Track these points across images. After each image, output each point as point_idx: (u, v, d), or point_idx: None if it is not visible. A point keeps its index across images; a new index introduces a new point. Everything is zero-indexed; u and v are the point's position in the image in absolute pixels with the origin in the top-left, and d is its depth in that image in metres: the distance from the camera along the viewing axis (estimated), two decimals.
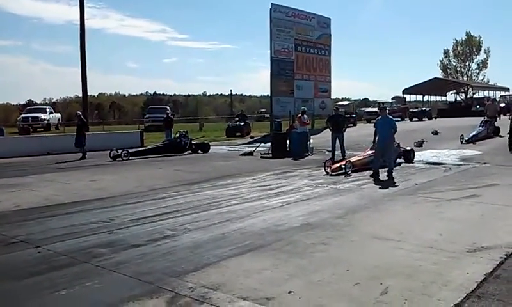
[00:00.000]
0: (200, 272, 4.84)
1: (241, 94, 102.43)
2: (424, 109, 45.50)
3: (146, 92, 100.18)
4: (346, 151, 15.94)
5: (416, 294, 4.19)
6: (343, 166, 12.21)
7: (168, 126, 23.16)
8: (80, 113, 19.69)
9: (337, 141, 15.87)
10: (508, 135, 16.41)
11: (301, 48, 31.34)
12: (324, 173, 12.21)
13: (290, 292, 4.25)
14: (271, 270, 4.92)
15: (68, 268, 5.07)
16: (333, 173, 12.01)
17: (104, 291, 4.41)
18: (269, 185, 10.68)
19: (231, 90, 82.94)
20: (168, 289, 4.39)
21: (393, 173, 11.67)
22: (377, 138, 11.82)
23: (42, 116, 34.49)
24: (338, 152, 15.84)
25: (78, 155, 17.55)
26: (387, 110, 11.91)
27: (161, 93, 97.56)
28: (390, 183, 10.82)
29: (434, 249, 5.48)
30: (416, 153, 15.44)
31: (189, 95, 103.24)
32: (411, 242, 5.79)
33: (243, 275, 4.76)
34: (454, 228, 6.58)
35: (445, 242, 5.77)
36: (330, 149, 15.97)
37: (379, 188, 10.16)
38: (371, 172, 11.71)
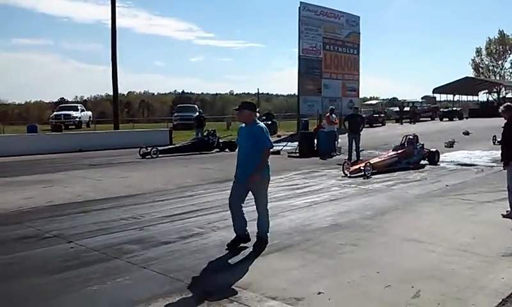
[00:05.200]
0: (229, 271, 4.86)
1: (268, 93, 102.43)
2: (454, 108, 44.57)
3: (175, 91, 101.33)
4: (375, 151, 15.70)
5: (450, 298, 4.09)
6: (362, 168, 11.77)
7: (199, 125, 23.32)
8: None
9: (353, 142, 15.37)
10: None
11: (329, 47, 31.11)
12: (342, 174, 11.84)
13: (319, 293, 4.21)
14: (299, 270, 4.89)
15: (100, 263, 5.16)
16: (352, 175, 11.62)
17: (134, 288, 4.46)
18: (297, 185, 10.63)
19: (258, 89, 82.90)
20: (197, 287, 4.41)
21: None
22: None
23: (74, 113, 35.22)
24: (370, 152, 15.63)
25: (109, 152, 17.85)
26: (257, 114, 5.78)
27: (189, 91, 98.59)
28: (419, 186, 10.60)
29: (467, 253, 5.35)
30: (447, 154, 15.13)
31: (216, 94, 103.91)
32: (444, 245, 5.66)
33: (271, 274, 4.74)
34: (487, 231, 6.41)
35: (478, 246, 5.63)
36: (354, 149, 15.53)
37: (409, 189, 9.98)
38: (393, 174, 11.18)
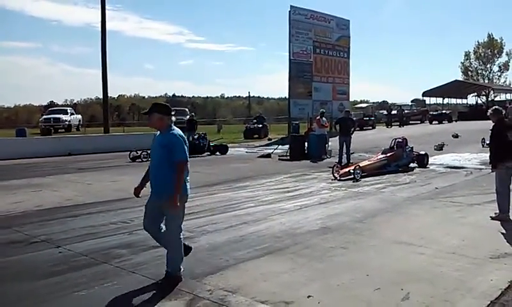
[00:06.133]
0: (218, 275, 4.84)
1: (259, 97, 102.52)
2: (444, 111, 44.90)
3: (165, 94, 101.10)
4: (365, 154, 15.75)
5: (438, 301, 4.11)
6: (352, 171, 11.76)
7: (191, 128, 23.26)
8: None
9: (344, 145, 15.40)
10: None
11: (319, 50, 31.26)
12: (332, 177, 11.83)
13: (309, 296, 4.21)
14: (289, 273, 4.88)
15: (88, 268, 5.12)
16: (342, 178, 11.63)
17: (123, 293, 4.42)
18: (287, 188, 10.63)
19: (249, 92, 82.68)
20: (186, 291, 4.39)
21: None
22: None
23: (63, 117, 35.03)
24: (360, 155, 15.69)
25: (99, 155, 17.73)
26: (172, 118, 4.79)
27: (180, 95, 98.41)
28: (410, 188, 10.66)
29: (456, 255, 5.38)
30: (436, 157, 15.22)
31: (207, 97, 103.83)
32: (433, 248, 5.69)
33: (261, 278, 4.73)
34: (476, 234, 6.46)
35: (467, 248, 5.66)
36: (344, 152, 15.51)
37: (399, 192, 10.03)
38: (382, 177, 11.16)
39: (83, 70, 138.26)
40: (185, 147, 4.65)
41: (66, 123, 34.63)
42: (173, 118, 4.79)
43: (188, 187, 4.71)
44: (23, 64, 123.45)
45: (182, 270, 4.70)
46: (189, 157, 4.79)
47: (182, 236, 4.75)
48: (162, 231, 4.78)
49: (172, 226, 4.68)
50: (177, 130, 4.72)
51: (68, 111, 37.66)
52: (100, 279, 4.76)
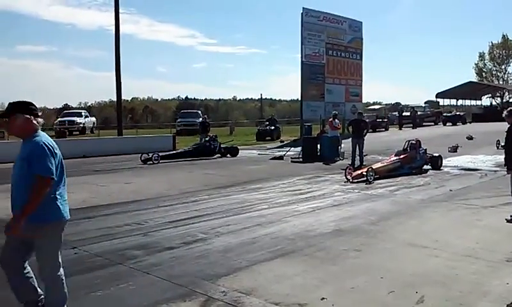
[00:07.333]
0: (232, 276, 4.85)
1: (271, 99, 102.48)
2: (458, 113, 44.48)
3: (178, 96, 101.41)
4: (378, 156, 15.65)
5: (454, 304, 4.08)
6: (365, 173, 11.66)
7: (204, 130, 23.46)
8: None
9: (357, 147, 15.31)
10: None
11: (332, 52, 31.12)
12: (345, 180, 11.72)
13: (322, 299, 4.21)
14: (302, 276, 4.88)
15: (104, 269, 5.18)
16: (355, 181, 11.52)
17: (137, 293, 4.47)
18: (300, 190, 10.62)
19: (261, 94, 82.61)
20: (200, 292, 4.42)
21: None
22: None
23: (78, 119, 35.37)
24: (373, 157, 15.59)
25: (113, 158, 17.86)
26: (39, 120, 3.56)
27: (193, 97, 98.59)
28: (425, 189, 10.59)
29: (471, 258, 5.33)
30: (450, 159, 15.07)
31: (219, 99, 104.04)
32: (447, 250, 5.65)
33: (275, 280, 4.74)
34: (491, 236, 6.39)
35: (482, 251, 5.61)
36: (357, 154, 15.43)
37: (413, 194, 9.96)
38: (395, 179, 11.08)
39: (97, 73, 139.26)
40: (52, 159, 3.47)
41: (81, 125, 34.94)
42: (40, 120, 3.60)
43: (66, 210, 3.69)
44: (38, 68, 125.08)
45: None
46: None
47: (62, 274, 3.70)
48: (27, 273, 3.65)
49: (45, 263, 3.58)
50: (44, 137, 3.55)
51: (83, 114, 38.01)
52: (115, 279, 4.81)
